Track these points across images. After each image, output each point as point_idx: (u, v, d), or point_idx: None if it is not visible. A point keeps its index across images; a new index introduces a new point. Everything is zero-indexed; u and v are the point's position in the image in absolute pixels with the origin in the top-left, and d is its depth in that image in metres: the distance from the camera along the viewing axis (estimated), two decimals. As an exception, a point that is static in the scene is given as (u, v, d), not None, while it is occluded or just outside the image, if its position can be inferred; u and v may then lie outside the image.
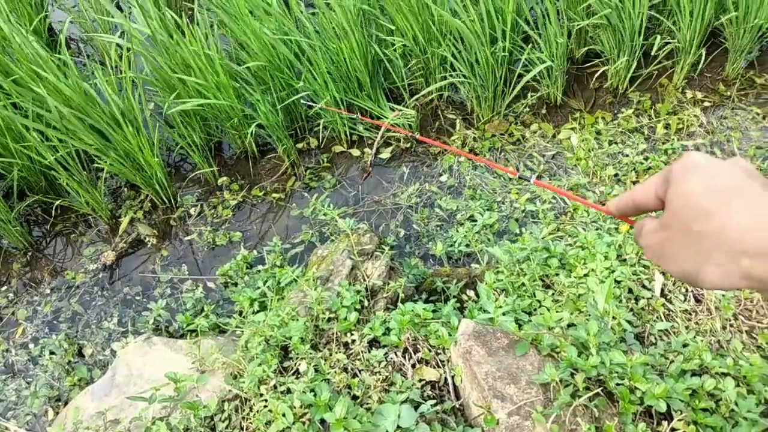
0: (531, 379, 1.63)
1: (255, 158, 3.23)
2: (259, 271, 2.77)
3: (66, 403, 2.51)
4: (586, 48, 3.41)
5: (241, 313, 2.67)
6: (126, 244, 2.95)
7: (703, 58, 3.24)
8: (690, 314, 2.15)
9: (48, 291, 2.84)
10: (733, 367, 1.83)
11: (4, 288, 2.88)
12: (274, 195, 3.09)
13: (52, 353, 2.62)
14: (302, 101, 3.06)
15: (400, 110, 3.18)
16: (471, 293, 2.42)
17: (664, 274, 2.28)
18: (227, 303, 2.74)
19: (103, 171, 2.89)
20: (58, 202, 2.99)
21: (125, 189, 3.15)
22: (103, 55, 3.62)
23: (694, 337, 2.03)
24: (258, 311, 2.56)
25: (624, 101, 3.38)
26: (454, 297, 2.45)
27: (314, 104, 3.00)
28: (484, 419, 1.59)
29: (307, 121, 3.29)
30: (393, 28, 2.99)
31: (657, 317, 2.12)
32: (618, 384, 1.60)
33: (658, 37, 3.21)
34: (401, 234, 2.86)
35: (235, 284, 2.77)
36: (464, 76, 3.09)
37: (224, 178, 3.16)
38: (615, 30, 3.14)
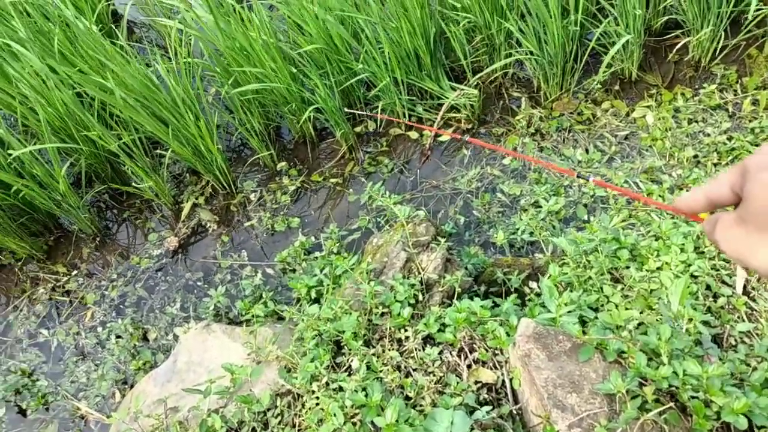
0: (595, 388, 1.52)
1: (313, 143, 3.19)
2: (317, 257, 2.75)
3: (132, 386, 2.59)
4: (665, 18, 3.15)
5: (298, 300, 2.67)
6: (188, 229, 2.99)
7: (800, 25, 2.92)
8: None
9: (115, 276, 2.92)
10: (825, 377, 1.65)
11: (75, 272, 2.98)
12: (332, 180, 3.05)
13: (118, 337, 2.71)
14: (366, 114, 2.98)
15: (462, 89, 3.05)
16: (534, 285, 2.31)
17: (747, 269, 2.08)
18: (285, 290, 2.74)
19: (165, 157, 2.93)
20: (126, 188, 3.06)
21: (187, 175, 3.19)
22: (164, 39, 3.64)
23: (779, 341, 1.85)
24: (315, 299, 2.55)
25: (706, 75, 3.11)
26: (514, 290, 2.35)
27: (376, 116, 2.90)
28: (543, 429, 1.50)
29: (365, 104, 3.21)
30: (458, 5, 2.84)
31: (738, 317, 1.95)
32: (692, 397, 1.47)
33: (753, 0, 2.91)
34: (461, 221, 2.76)
35: (293, 270, 2.75)
36: (531, 52, 2.91)
37: (283, 164, 3.14)
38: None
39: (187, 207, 3.05)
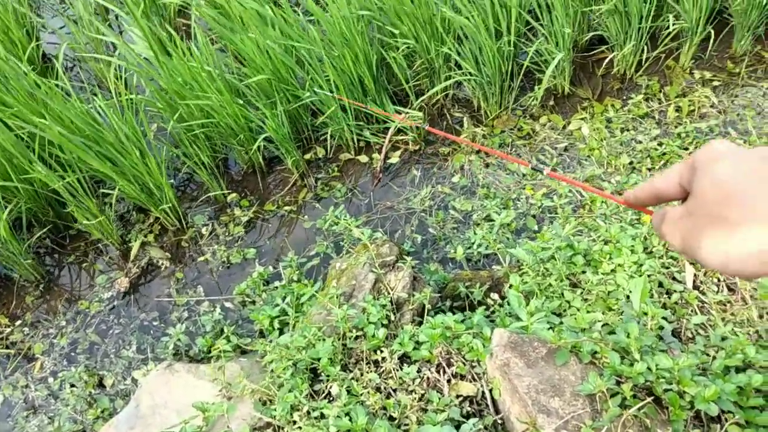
0: (576, 390, 1.58)
1: (263, 173, 3.17)
2: (277, 287, 2.72)
3: (91, 438, 2.47)
4: (590, 34, 3.34)
5: (261, 333, 2.63)
6: (139, 269, 2.90)
7: (712, 36, 3.17)
8: (725, 305, 2.09)
9: (63, 323, 2.79)
10: (776, 359, 1.77)
11: (19, 323, 2.83)
12: (286, 208, 3.04)
13: (72, 386, 2.58)
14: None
15: (407, 112, 3.12)
16: (495, 296, 2.37)
17: (694, 264, 2.22)
18: (246, 322, 2.69)
19: (111, 196, 2.84)
20: (75, 227, 2.94)
21: (133, 213, 3.10)
22: (99, 78, 3.55)
23: (732, 329, 1.98)
24: (279, 328, 2.52)
25: (632, 86, 3.32)
26: (478, 303, 2.40)
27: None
28: (530, 434, 1.54)
29: (313, 131, 3.23)
30: (396, 31, 2.92)
31: (692, 311, 2.07)
32: (666, 390, 1.55)
33: (670, 17, 3.13)
34: (418, 240, 2.81)
35: (253, 302, 2.71)
36: (470, 73, 3.03)
37: (233, 195, 3.11)
38: (622, 15, 3.07)
39: (135, 246, 2.95)
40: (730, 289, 2.15)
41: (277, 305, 2.57)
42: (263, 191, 3.12)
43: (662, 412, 1.57)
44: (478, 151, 3.12)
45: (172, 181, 2.91)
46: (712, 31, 3.17)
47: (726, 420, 1.55)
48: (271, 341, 2.26)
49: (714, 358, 1.81)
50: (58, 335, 2.76)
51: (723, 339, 1.91)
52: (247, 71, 2.86)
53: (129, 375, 2.61)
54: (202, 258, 2.91)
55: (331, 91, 2.87)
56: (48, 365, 2.68)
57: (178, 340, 2.58)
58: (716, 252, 0.53)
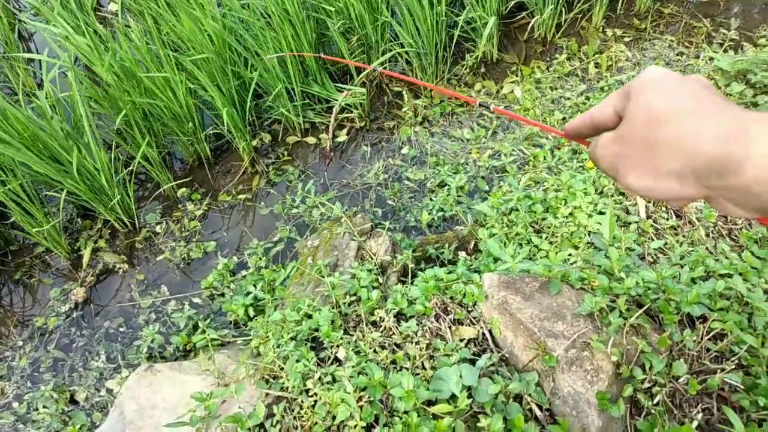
0: (576, 312, 1.70)
1: (210, 163, 3.11)
2: (244, 276, 2.70)
3: (72, 456, 2.35)
4: (512, 2, 3.51)
5: (236, 323, 2.60)
6: (94, 277, 2.77)
7: (619, -4, 3.42)
8: (676, 229, 2.30)
9: (20, 343, 2.63)
10: (730, 267, 1.97)
11: (-31, 350, 2.63)
12: (241, 197, 3.00)
13: (42, 407, 2.44)
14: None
15: (350, 89, 3.16)
16: (463, 254, 2.48)
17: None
18: (219, 315, 2.65)
19: (56, 202, 2.69)
20: (13, 244, 2.75)
21: (78, 220, 2.95)
22: (16, 81, 3.32)
23: (687, 249, 2.18)
24: (254, 316, 2.50)
25: (554, 48, 3.52)
26: (449, 261, 2.50)
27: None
28: (542, 359, 1.64)
29: (257, 116, 3.20)
30: (331, 9, 2.95)
31: (649, 237, 2.25)
32: (655, 299, 1.70)
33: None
34: (378, 213, 2.86)
35: (222, 295, 2.67)
36: (409, 44, 3.10)
37: (183, 190, 3.03)
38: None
39: (87, 253, 2.82)
40: (677, 215, 2.36)
41: (249, 293, 2.55)
42: (213, 182, 3.06)
43: (652, 321, 1.72)
44: (422, 122, 3.21)
45: (118, 177, 2.78)
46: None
47: (704, 320, 1.73)
48: (250, 328, 2.25)
49: (679, 274, 2.00)
50: (16, 357, 2.59)
51: (681, 257, 2.10)
52: (187, 57, 2.79)
53: (102, 386, 2.50)
54: (161, 257, 2.82)
55: (275, 72, 2.86)
56: (10, 390, 2.52)
57: (152, 341, 2.50)
58: (638, 178, 0.54)
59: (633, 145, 0.54)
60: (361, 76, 3.18)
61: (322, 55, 2.53)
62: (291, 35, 2.82)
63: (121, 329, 2.64)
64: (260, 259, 2.72)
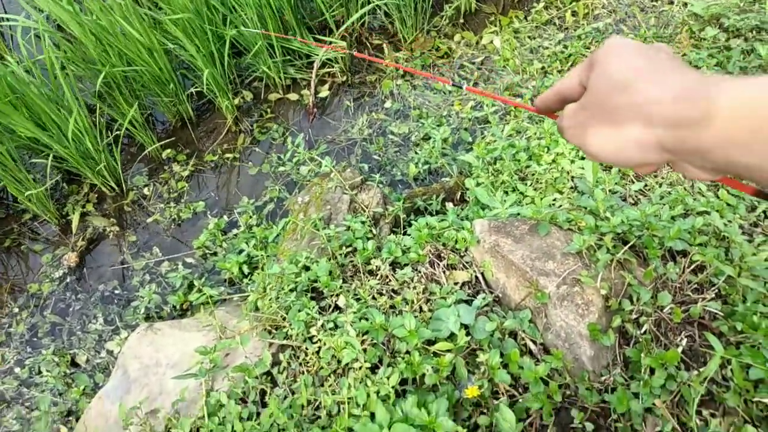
0: (565, 250, 1.78)
1: (193, 124, 3.10)
2: (236, 235, 2.73)
3: (78, 419, 2.40)
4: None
5: (231, 281, 2.64)
6: (85, 241, 2.78)
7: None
8: (656, 171, 2.38)
9: (16, 310, 2.65)
10: (708, 204, 2.07)
11: (-36, 319, 2.65)
12: (227, 156, 3.01)
13: (46, 371, 2.48)
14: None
15: (331, 42, 3.15)
16: (450, 205, 2.54)
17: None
18: (213, 274, 2.69)
19: (43, 166, 2.67)
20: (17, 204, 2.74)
21: (64, 186, 2.94)
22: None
23: (666, 189, 2.27)
24: (248, 273, 2.55)
25: (531, -4, 3.54)
26: (437, 212, 2.56)
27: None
28: (534, 296, 1.72)
29: (238, 74, 3.18)
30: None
31: (630, 180, 2.34)
32: (639, 236, 1.79)
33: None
34: (365, 168, 2.89)
35: (215, 254, 2.71)
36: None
37: (168, 151, 3.02)
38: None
39: (75, 218, 2.82)
40: (657, 158, 2.44)
41: (242, 251, 2.59)
42: (198, 143, 3.06)
43: (637, 257, 1.81)
44: (404, 75, 3.23)
45: (105, 142, 2.77)
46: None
47: (685, 254, 1.82)
48: (246, 284, 2.30)
49: (660, 212, 2.08)
50: (14, 323, 2.61)
51: (662, 197, 2.19)
52: (166, 15, 2.75)
53: (102, 348, 2.54)
54: (150, 219, 2.84)
55: (256, 28, 2.84)
56: (10, 356, 2.55)
57: (149, 302, 2.54)
58: (601, 145, 0.55)
59: (595, 113, 0.55)
60: (341, 29, 3.17)
61: (299, 39, 2.51)
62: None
63: (116, 291, 2.67)
64: (250, 217, 2.76)
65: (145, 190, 2.93)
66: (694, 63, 2.92)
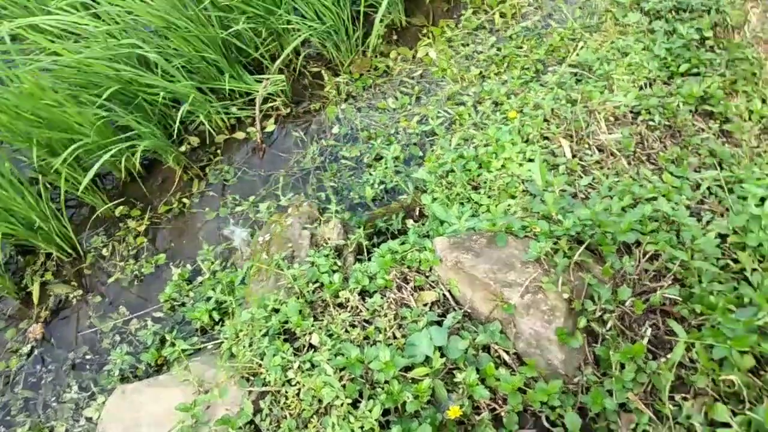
0: (524, 259, 1.83)
1: (143, 177, 3.08)
2: (201, 283, 2.72)
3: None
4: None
5: (203, 330, 2.62)
6: (48, 311, 2.73)
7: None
8: (601, 162, 2.46)
9: (-15, 392, 2.58)
10: (654, 190, 2.15)
11: (-67, 410, 2.57)
12: (182, 203, 2.99)
13: (24, 449, 2.42)
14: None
15: (268, 78, 3.16)
16: (411, 222, 2.57)
17: (567, 137, 2.56)
18: (183, 325, 2.66)
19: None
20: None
21: (19, 258, 2.88)
22: None
23: (614, 180, 2.34)
24: (219, 319, 2.55)
25: (458, 5, 3.61)
26: (399, 231, 2.60)
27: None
28: (501, 308, 1.77)
29: (180, 122, 3.16)
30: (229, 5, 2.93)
31: (578, 175, 2.41)
32: (592, 234, 1.85)
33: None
34: (322, 197, 2.91)
35: (183, 304, 2.69)
36: (316, 27, 3.12)
37: (121, 208, 2.99)
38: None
39: (35, 289, 2.76)
40: (600, 150, 2.52)
41: (210, 298, 2.58)
42: (150, 195, 3.04)
43: (593, 254, 1.87)
44: (346, 98, 3.26)
45: (49, 212, 2.72)
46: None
47: (639, 245, 1.89)
48: (219, 332, 2.29)
49: (610, 206, 2.16)
50: (-16, 406, 2.55)
51: (610, 189, 2.26)
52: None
53: (80, 416, 2.50)
54: (112, 279, 2.80)
55: (186, 79, 2.84)
56: (-16, 440, 2.48)
57: (122, 363, 2.51)
58: None
59: None
60: (277, 62, 3.18)
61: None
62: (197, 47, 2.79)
63: (88, 357, 2.62)
64: (213, 263, 2.74)
65: (104, 251, 2.89)
66: (623, 50, 3.03)
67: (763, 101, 2.83)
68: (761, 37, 3.11)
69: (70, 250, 2.83)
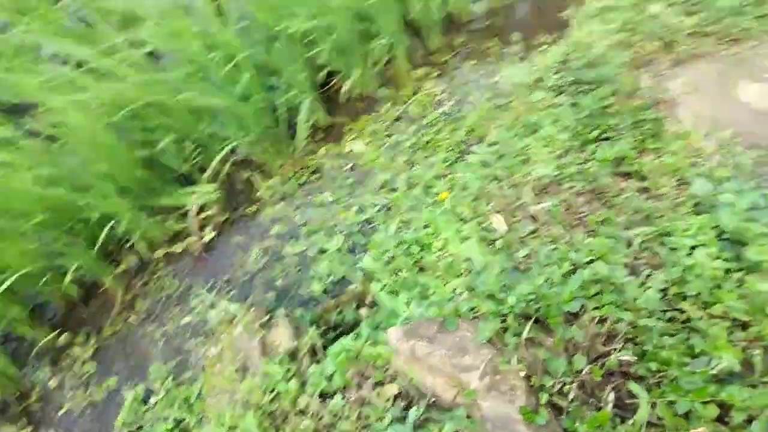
0: (477, 342, 1.91)
1: (84, 301, 3.02)
2: (157, 402, 2.65)
3: None
4: (325, 71, 3.75)
5: (163, 452, 2.55)
6: (-7, 459, 2.57)
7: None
8: (535, 232, 2.62)
9: None
10: (590, 253, 2.29)
11: None
12: (131, 320, 2.94)
13: None
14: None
15: (197, 191, 3.21)
16: (363, 311, 2.64)
17: (499, 212, 2.72)
18: (142, 450, 2.58)
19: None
20: None
21: (-44, 405, 2.73)
22: None
23: (553, 248, 2.48)
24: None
25: (375, 100, 3.83)
26: (354, 322, 2.65)
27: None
28: (464, 394, 1.84)
29: (116, 242, 3.16)
30: (153, 125, 3.02)
31: (515, 248, 2.55)
32: (537, 309, 1.96)
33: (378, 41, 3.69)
34: (271, 297, 2.93)
35: (141, 427, 2.61)
36: (241, 136, 3.24)
37: (64, 336, 2.91)
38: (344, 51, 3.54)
39: (-22, 438, 2.61)
40: (533, 219, 2.69)
41: (167, 417, 2.52)
42: (94, 319, 2.97)
43: (542, 326, 1.98)
44: (282, 198, 3.35)
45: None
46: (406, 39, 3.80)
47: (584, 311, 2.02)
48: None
49: (551, 276, 2.29)
50: None
51: (548, 257, 2.40)
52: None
53: None
54: (62, 411, 2.69)
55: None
56: None
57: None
58: None
59: None
60: (205, 174, 3.24)
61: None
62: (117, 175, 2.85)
63: (42, 503, 2.48)
64: (166, 380, 2.69)
65: (51, 383, 2.78)
66: (532, 127, 3.28)
67: (673, 154, 3.11)
68: (660, 98, 3.42)
69: (14, 389, 2.71)
